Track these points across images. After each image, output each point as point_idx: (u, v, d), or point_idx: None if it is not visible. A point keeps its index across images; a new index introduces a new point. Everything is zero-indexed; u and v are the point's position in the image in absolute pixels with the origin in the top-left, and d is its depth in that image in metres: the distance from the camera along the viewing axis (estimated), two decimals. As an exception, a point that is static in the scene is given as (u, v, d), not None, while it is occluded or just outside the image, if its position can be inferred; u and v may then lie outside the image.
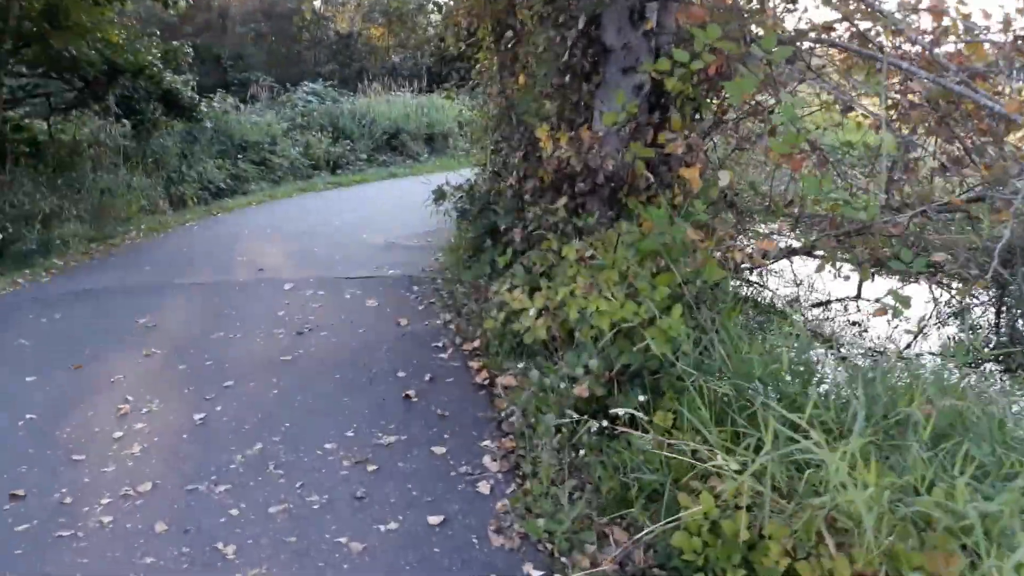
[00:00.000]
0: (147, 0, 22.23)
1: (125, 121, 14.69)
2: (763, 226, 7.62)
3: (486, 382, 5.23)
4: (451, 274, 8.03)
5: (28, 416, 5.09)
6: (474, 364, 5.52)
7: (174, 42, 14.32)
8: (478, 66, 8.89)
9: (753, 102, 5.79)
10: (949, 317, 7.33)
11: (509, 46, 7.50)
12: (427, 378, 5.42)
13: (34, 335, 6.78)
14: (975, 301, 7.62)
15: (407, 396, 5.10)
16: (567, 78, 5.60)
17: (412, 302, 7.47)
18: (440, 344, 6.08)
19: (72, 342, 6.55)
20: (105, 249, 10.56)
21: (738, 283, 6.26)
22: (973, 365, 5.18)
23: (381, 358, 5.86)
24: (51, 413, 5.13)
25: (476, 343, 5.83)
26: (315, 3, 32.87)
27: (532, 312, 4.97)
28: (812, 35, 4.78)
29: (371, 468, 4.22)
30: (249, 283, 8.41)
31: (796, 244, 6.33)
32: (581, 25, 5.32)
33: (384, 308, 7.30)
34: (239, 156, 16.63)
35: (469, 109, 9.88)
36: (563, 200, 5.32)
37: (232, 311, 7.36)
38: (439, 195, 8.55)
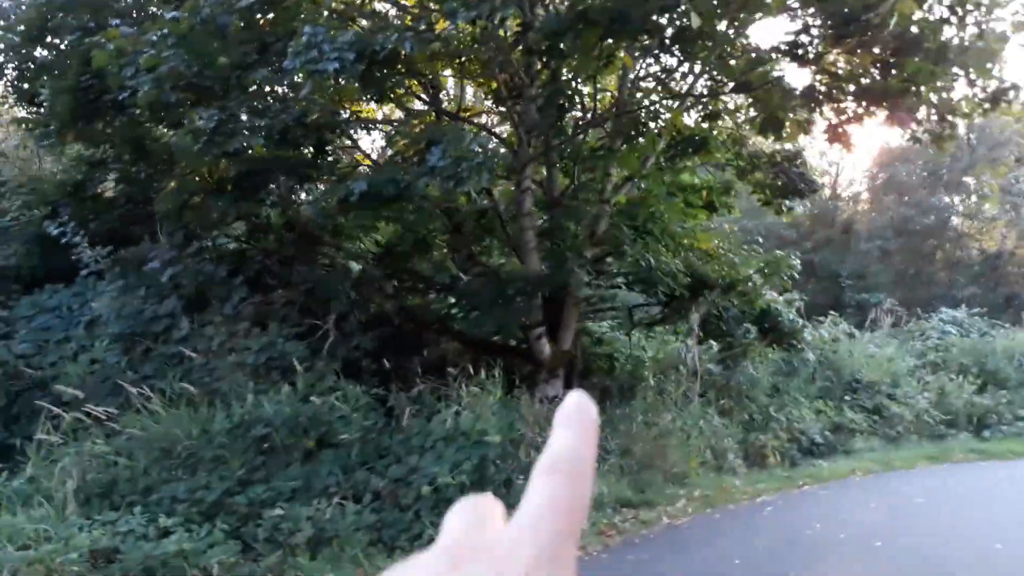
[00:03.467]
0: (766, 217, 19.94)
1: (712, 343, 11.63)
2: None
3: None
4: None
5: None
6: None
7: (778, 251, 10.90)
8: None
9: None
10: None
11: None
12: None
13: None
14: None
15: None
16: None
17: None
18: None
19: None
20: (633, 529, 7.08)
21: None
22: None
23: None
24: None
25: None
26: (954, 220, 27.33)
27: None
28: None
29: None
30: None
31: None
32: None
33: None
34: (845, 398, 12.17)
35: None
36: None
37: None
38: None
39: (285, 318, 8.69)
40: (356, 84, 7.00)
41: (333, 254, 10.82)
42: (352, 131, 8.27)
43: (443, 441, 6.80)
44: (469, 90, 12.31)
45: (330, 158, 8.45)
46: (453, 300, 10.40)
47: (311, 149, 8.04)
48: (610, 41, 7.46)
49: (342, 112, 7.63)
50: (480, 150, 6.29)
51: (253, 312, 8.56)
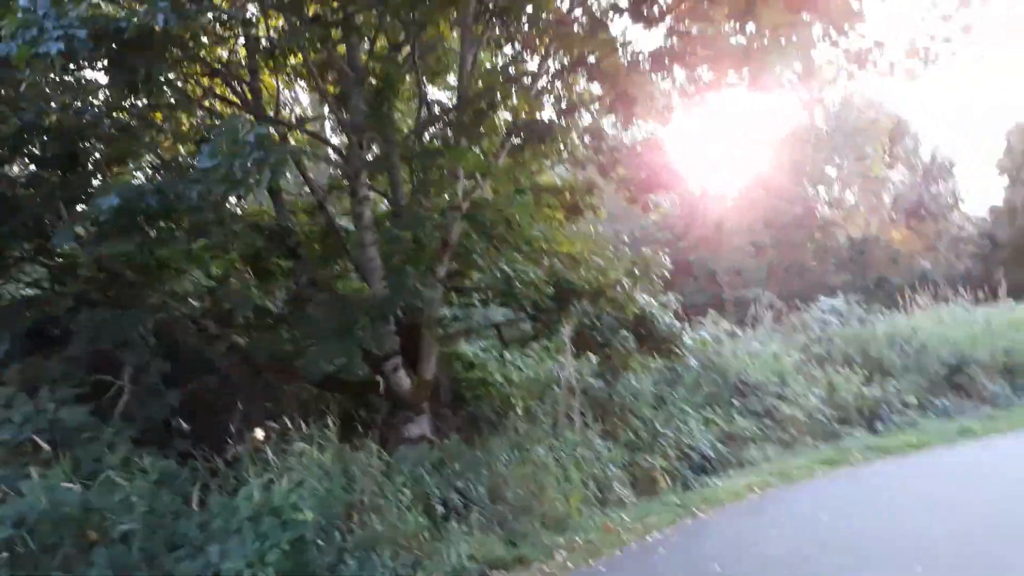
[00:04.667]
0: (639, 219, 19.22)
1: (591, 356, 10.41)
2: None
3: None
4: None
5: None
6: None
7: (644, 249, 9.81)
8: None
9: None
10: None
11: None
12: None
13: None
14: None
15: None
16: None
17: None
18: None
19: None
20: (501, 599, 5.72)
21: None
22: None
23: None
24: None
25: None
26: (822, 208, 27.62)
27: None
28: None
29: None
30: None
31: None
32: None
33: None
34: (733, 403, 11.24)
35: None
36: None
37: None
38: None
39: (64, 378, 6.87)
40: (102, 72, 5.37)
41: (147, 295, 8.98)
42: (111, 134, 6.53)
43: (249, 522, 5.22)
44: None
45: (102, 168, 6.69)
46: (287, 335, 8.76)
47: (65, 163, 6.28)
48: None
49: (94, 112, 5.92)
50: (257, 142, 4.79)
51: (19, 375, 6.72)
